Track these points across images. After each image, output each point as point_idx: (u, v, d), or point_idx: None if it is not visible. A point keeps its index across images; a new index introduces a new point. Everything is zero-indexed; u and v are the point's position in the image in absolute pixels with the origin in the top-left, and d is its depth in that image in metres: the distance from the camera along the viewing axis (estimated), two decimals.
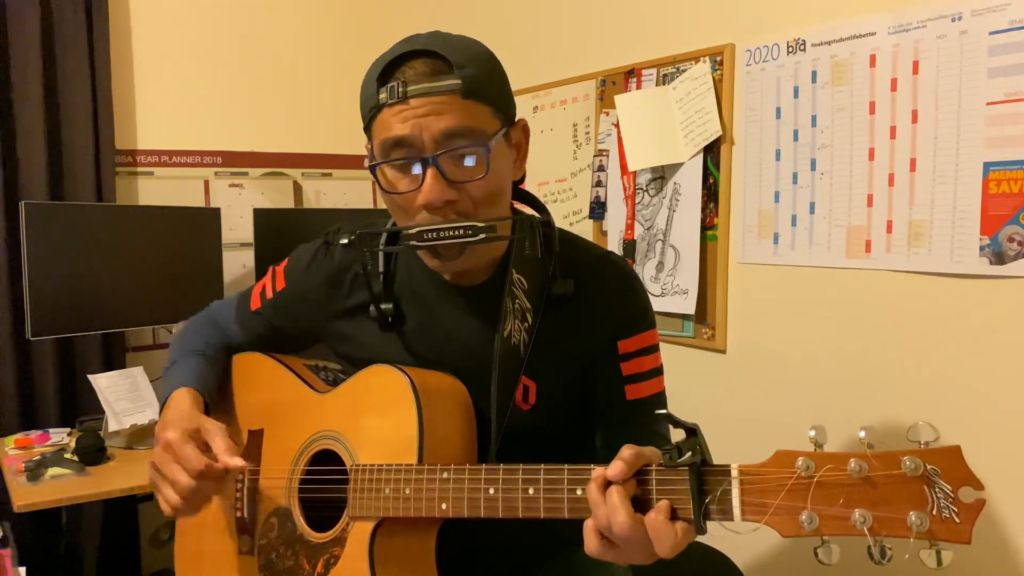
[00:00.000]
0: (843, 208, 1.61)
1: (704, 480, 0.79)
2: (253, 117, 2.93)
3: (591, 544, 0.83)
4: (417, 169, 0.96)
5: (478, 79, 0.96)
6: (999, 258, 1.37)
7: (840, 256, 1.62)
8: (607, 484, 0.82)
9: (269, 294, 1.24)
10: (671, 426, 0.84)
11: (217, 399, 1.25)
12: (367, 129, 1.02)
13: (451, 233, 0.95)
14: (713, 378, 1.92)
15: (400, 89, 0.94)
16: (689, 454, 0.80)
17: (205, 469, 1.01)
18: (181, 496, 1.02)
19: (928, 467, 0.70)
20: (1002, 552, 1.40)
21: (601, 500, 0.81)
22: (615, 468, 0.82)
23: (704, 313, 1.92)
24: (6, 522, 2.14)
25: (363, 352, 1.14)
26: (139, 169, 2.72)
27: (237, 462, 1.03)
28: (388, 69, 0.96)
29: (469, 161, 0.96)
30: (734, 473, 0.78)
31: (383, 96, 0.95)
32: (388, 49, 0.99)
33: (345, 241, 1.07)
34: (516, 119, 1.05)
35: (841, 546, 0.74)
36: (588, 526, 0.83)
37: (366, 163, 1.05)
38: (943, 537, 0.70)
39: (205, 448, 1.05)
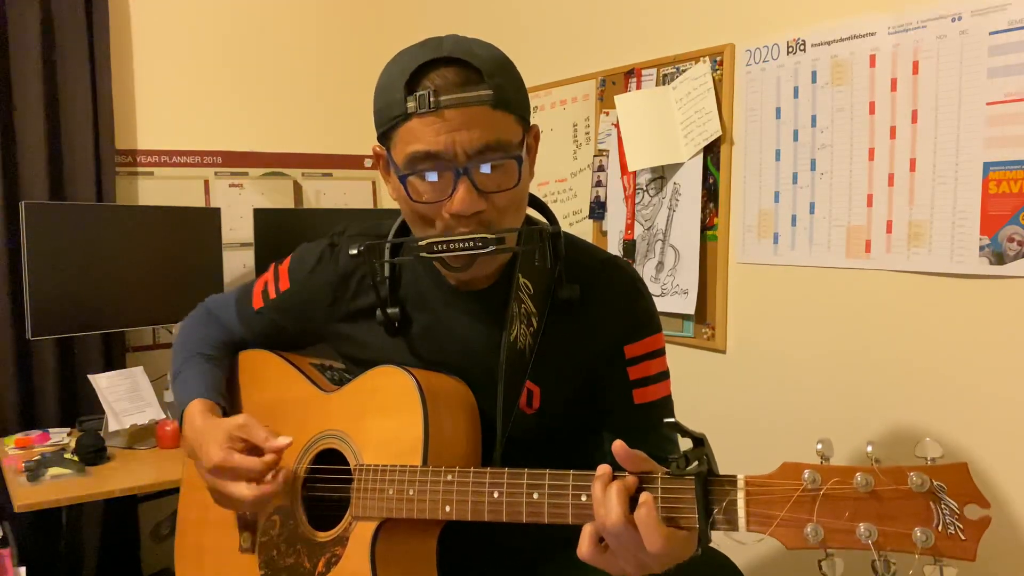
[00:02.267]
0: (843, 208, 1.62)
1: (710, 490, 0.79)
2: (253, 117, 2.92)
3: (583, 548, 0.84)
4: (441, 178, 0.94)
5: (506, 89, 0.95)
6: (999, 258, 1.37)
7: (840, 256, 1.62)
8: (612, 479, 0.83)
9: (272, 294, 1.23)
10: (679, 435, 0.84)
11: (227, 399, 1.25)
12: (386, 135, 0.98)
13: (461, 245, 0.95)
14: (713, 378, 1.92)
15: (431, 99, 0.91)
16: (696, 463, 0.80)
17: (264, 467, 1.04)
18: (254, 502, 1.05)
19: (935, 483, 0.70)
20: (1002, 551, 1.40)
21: (601, 497, 0.82)
22: (619, 443, 0.82)
23: (704, 313, 1.92)
24: (6, 522, 2.14)
25: (368, 354, 1.14)
26: (139, 169, 2.72)
27: (283, 440, 1.05)
28: (415, 76, 0.93)
29: (500, 172, 0.95)
30: (740, 484, 0.78)
31: (411, 105, 0.92)
32: (407, 51, 0.97)
33: (354, 252, 1.06)
34: (530, 125, 1.05)
35: (845, 559, 0.74)
36: (586, 530, 0.84)
37: (383, 167, 1.03)
38: (948, 554, 0.70)
39: (241, 443, 1.07)
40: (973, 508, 0.70)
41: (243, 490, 1.04)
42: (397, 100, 0.94)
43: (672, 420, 0.85)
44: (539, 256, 1.03)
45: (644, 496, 0.81)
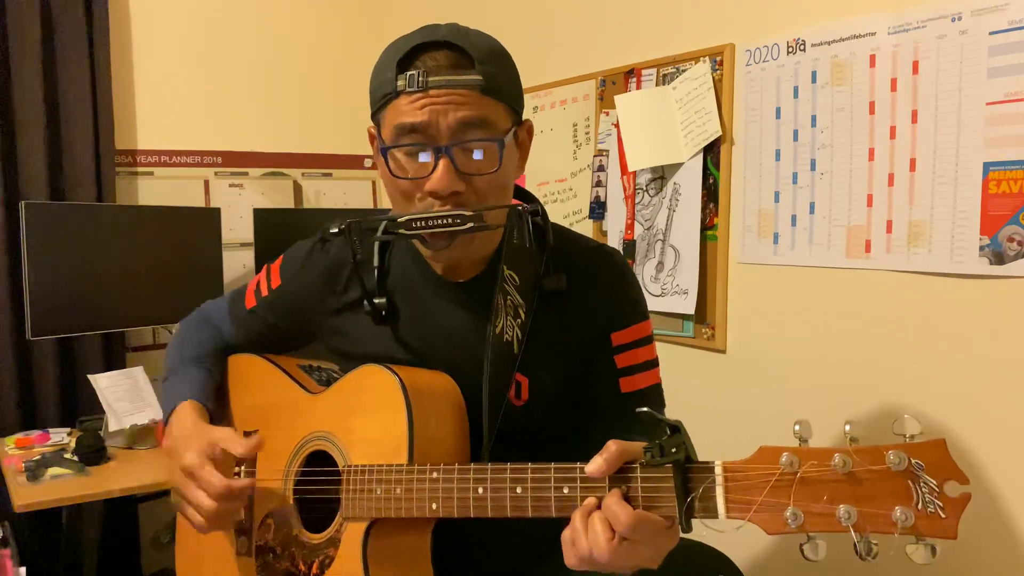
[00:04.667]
0: (843, 208, 1.61)
1: (688, 478, 0.79)
2: (253, 117, 2.92)
3: (570, 559, 0.84)
4: (428, 157, 0.96)
5: (497, 76, 0.96)
6: (999, 258, 1.37)
7: (840, 256, 1.62)
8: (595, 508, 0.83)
9: (264, 292, 1.24)
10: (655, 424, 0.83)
11: (216, 404, 1.25)
12: (377, 114, 1.01)
13: (440, 222, 0.95)
14: (713, 378, 1.91)
15: (420, 78, 0.94)
16: (673, 451, 0.79)
17: (226, 491, 1.03)
18: (208, 519, 1.04)
19: (913, 461, 0.70)
20: (1002, 550, 1.40)
21: (582, 529, 0.82)
22: (594, 464, 0.82)
23: (704, 313, 1.91)
24: (6, 522, 2.14)
25: (357, 347, 1.14)
26: (139, 169, 2.73)
27: (252, 441, 1.04)
28: (408, 57, 0.96)
29: (481, 155, 0.96)
30: (718, 470, 0.78)
31: (401, 83, 0.95)
32: (405, 35, 0.98)
33: (335, 230, 1.06)
34: (523, 119, 1.05)
35: (828, 542, 0.73)
36: (566, 539, 0.84)
37: (377, 147, 1.04)
38: (929, 532, 0.69)
39: (223, 457, 1.06)
40: (953, 485, 0.69)
41: (202, 500, 1.03)
42: (388, 79, 0.96)
43: (645, 409, 0.84)
44: (518, 235, 1.02)
45: (610, 498, 0.80)
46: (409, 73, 0.94)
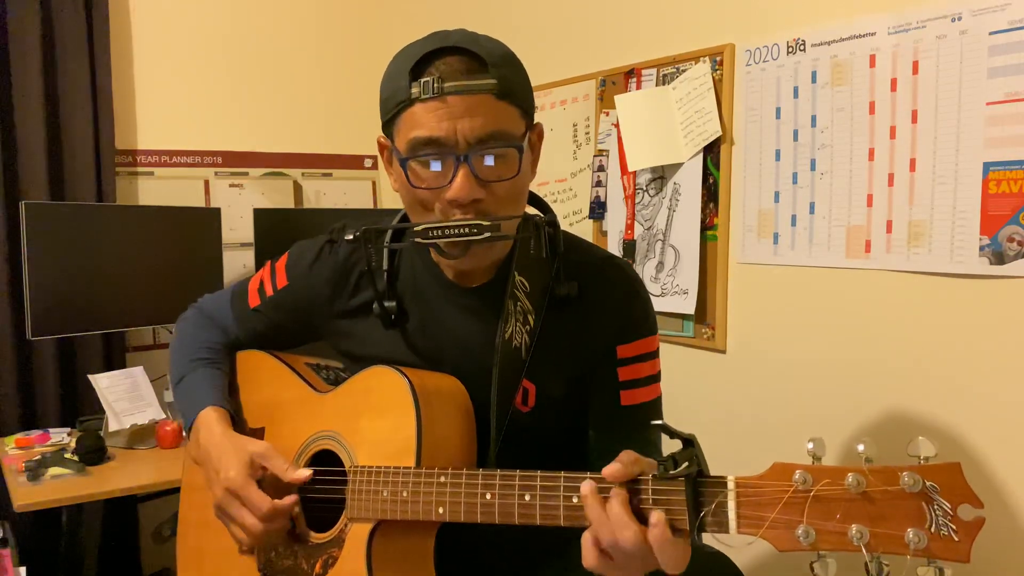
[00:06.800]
0: (843, 208, 1.61)
1: (700, 492, 0.78)
2: (253, 117, 2.92)
3: (590, 559, 0.83)
4: (446, 165, 0.95)
5: (511, 80, 0.96)
6: (999, 258, 1.37)
7: (840, 256, 1.62)
8: (603, 494, 0.82)
9: (269, 291, 1.23)
10: (667, 436, 0.83)
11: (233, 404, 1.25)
12: (390, 122, 0.99)
13: (456, 231, 0.95)
14: (713, 378, 1.92)
15: (436, 85, 0.93)
16: (685, 464, 0.79)
17: (272, 512, 1.04)
18: (254, 537, 1.06)
19: (927, 483, 0.69)
20: (1005, 552, 1.40)
21: (604, 516, 0.81)
22: (611, 469, 0.81)
23: (704, 313, 1.91)
24: (6, 522, 2.14)
25: (365, 350, 1.14)
26: (139, 169, 2.73)
27: (302, 473, 1.06)
28: (420, 64, 0.94)
29: (500, 161, 0.96)
30: (730, 485, 0.77)
31: (415, 91, 0.94)
32: (414, 42, 0.98)
33: (350, 237, 1.06)
34: (535, 123, 1.05)
35: (838, 561, 0.73)
36: (587, 540, 0.83)
37: (387, 157, 1.04)
38: (941, 555, 0.69)
39: (261, 471, 1.08)
40: (966, 508, 0.68)
41: (247, 520, 1.05)
42: (402, 87, 0.95)
43: (660, 422, 0.84)
44: (534, 246, 1.02)
45: (656, 516, 0.79)
46: (424, 80, 0.93)
